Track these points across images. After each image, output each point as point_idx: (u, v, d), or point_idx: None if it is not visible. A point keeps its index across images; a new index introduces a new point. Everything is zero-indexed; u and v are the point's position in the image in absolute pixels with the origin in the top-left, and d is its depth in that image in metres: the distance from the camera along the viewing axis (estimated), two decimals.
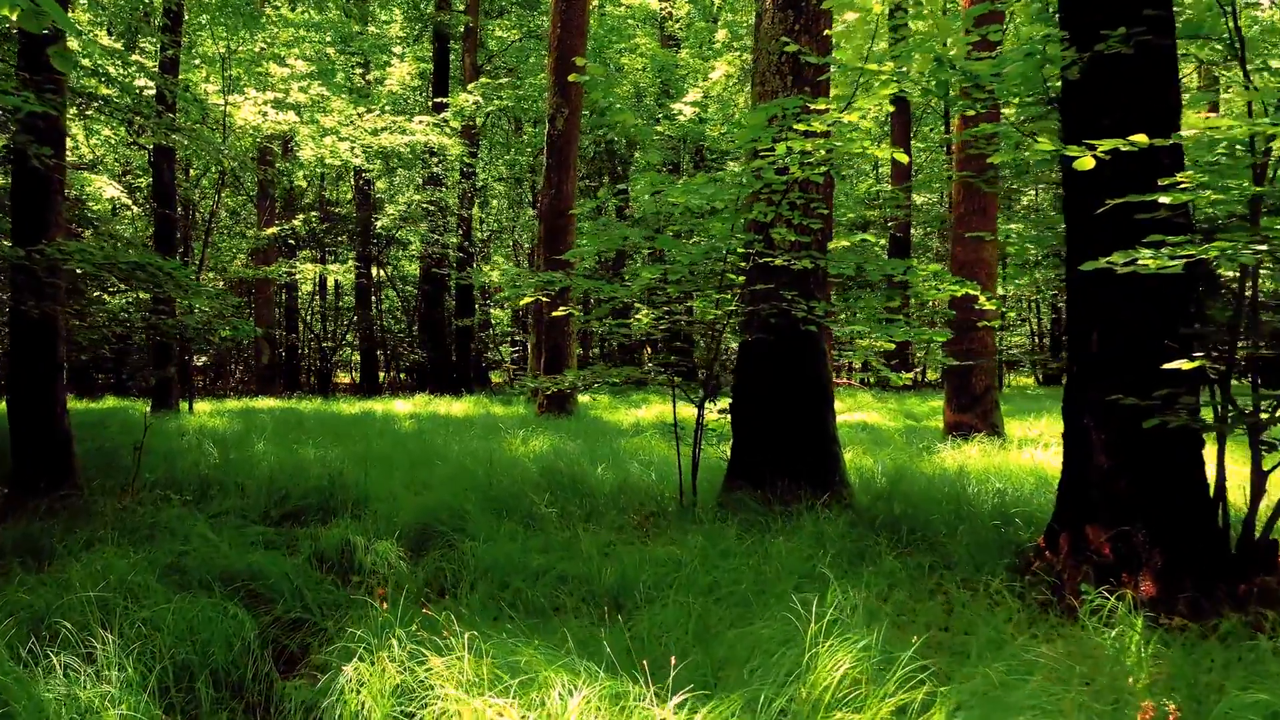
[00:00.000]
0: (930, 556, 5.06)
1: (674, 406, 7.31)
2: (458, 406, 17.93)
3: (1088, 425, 4.80)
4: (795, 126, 5.75)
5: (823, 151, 6.14)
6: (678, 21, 29.82)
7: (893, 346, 7.04)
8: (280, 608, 4.15)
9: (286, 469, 7.79)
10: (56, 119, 7.36)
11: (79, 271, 9.07)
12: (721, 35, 27.81)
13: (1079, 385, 4.89)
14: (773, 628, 3.37)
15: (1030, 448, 9.77)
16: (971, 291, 6.41)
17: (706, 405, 6.99)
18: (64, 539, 5.29)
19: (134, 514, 6.29)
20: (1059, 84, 4.97)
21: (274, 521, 6.48)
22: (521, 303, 6.61)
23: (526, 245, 33.16)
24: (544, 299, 7.03)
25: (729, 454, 7.32)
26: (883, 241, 25.44)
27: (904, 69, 5.18)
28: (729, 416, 7.28)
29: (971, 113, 5.28)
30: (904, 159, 6.43)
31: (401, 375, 31.26)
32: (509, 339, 31.71)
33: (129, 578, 3.87)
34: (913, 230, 27.97)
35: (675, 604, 3.96)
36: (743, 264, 6.64)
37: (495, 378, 31.27)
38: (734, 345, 6.87)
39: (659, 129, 26.27)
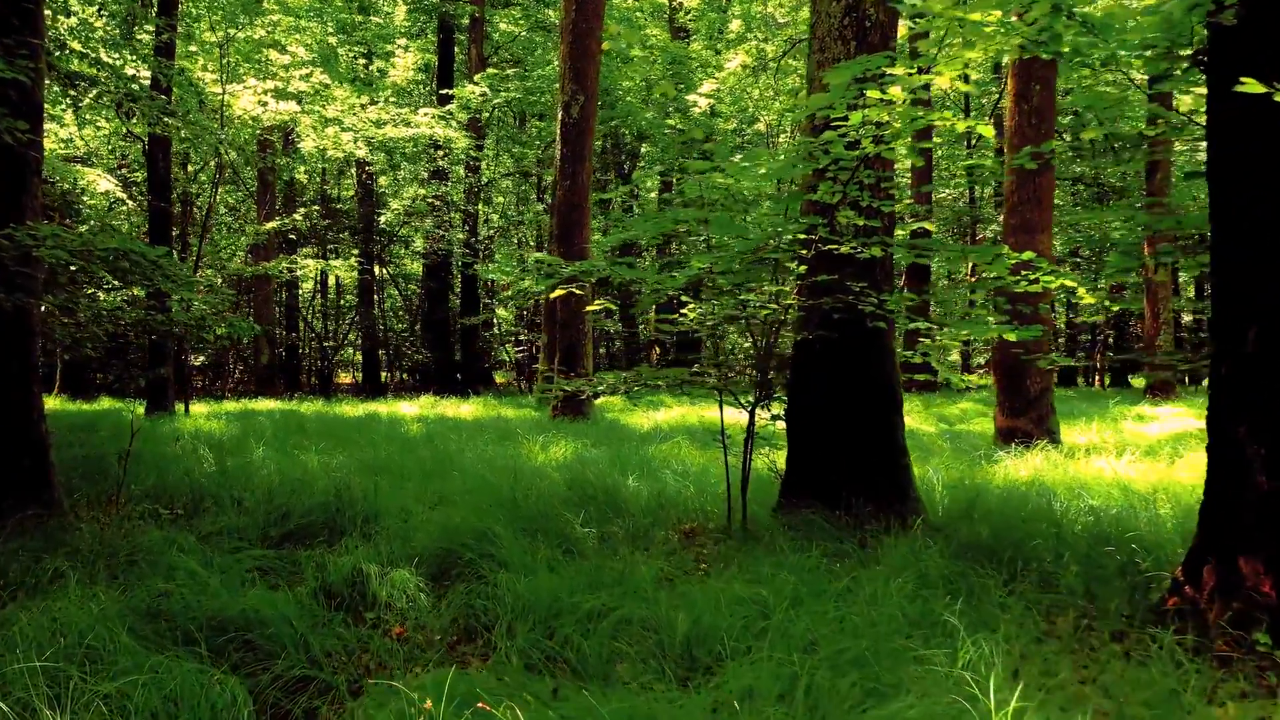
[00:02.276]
0: (1046, 593, 4.30)
1: (721, 412, 6.56)
2: (466, 408, 17.17)
3: (1242, 437, 4.04)
4: (869, 93, 4.99)
5: (899, 123, 5.38)
6: (688, 13, 29.02)
7: (959, 345, 6.28)
8: (282, 663, 3.38)
9: (288, 480, 7.03)
10: (31, 89, 6.58)
11: (73, 267, 8.30)
12: (735, 26, 27.04)
13: (1230, 390, 4.12)
14: (919, 707, 2.61)
15: (1099, 456, 8.98)
16: (1069, 283, 5.67)
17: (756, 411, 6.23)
18: (29, 569, 4.53)
19: (116, 533, 5.53)
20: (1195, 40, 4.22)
21: (274, 542, 5.72)
22: (554, 295, 5.86)
23: (533, 242, 32.38)
24: (577, 291, 6.28)
25: (782, 465, 6.57)
26: (900, 235, 24.69)
27: (1011, 19, 4.46)
28: (779, 423, 6.52)
29: (1090, 70, 4.51)
30: (989, 132, 5.69)
31: (404, 375, 30.44)
32: (514, 338, 30.90)
33: (91, 637, 3.07)
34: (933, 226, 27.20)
35: (769, 660, 3.20)
36: (803, 251, 5.88)
37: (499, 378, 30.46)
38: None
39: (670, 122, 25.49)
